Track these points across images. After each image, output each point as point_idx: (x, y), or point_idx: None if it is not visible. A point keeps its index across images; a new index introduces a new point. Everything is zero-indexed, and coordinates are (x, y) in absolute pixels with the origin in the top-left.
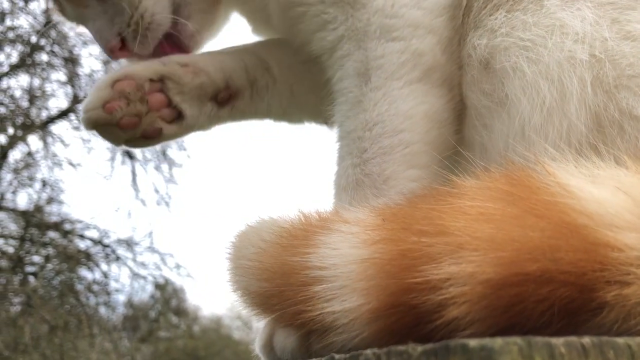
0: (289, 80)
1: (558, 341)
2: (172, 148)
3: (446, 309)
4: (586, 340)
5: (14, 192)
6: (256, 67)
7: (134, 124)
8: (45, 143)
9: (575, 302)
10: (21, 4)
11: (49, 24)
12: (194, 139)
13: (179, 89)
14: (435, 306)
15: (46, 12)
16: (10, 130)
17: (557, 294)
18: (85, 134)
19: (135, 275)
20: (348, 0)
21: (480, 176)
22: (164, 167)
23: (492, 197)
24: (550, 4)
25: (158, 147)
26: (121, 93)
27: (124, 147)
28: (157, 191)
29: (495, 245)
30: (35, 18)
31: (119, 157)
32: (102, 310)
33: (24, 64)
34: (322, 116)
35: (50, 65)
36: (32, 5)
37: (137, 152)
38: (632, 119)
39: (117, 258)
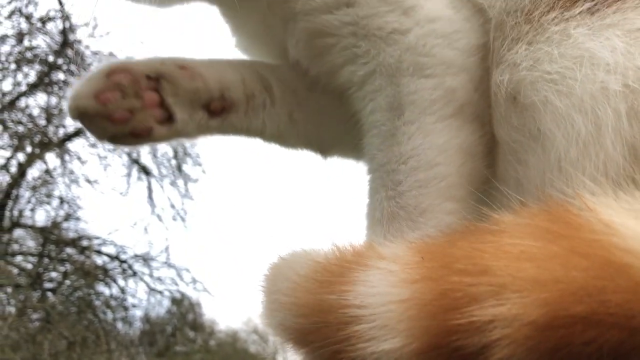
0: (290, 105)
1: None
2: (188, 164)
3: (491, 351)
4: None
5: (32, 210)
6: (255, 83)
7: (126, 118)
8: (63, 160)
9: (625, 345)
10: (39, 24)
11: (65, 43)
12: (209, 154)
13: (173, 91)
14: (480, 348)
15: (63, 32)
16: (29, 149)
17: (606, 337)
18: (102, 151)
19: (152, 291)
20: (380, 34)
21: (518, 212)
22: (180, 182)
23: (532, 235)
24: (577, 34)
25: (174, 162)
26: (117, 85)
27: (107, 143)
28: (173, 206)
29: (539, 286)
30: (52, 38)
31: (135, 173)
32: (120, 325)
33: (41, 83)
34: (319, 145)
35: (67, 83)
36: (49, 26)
37: (153, 168)
38: None
39: (134, 273)
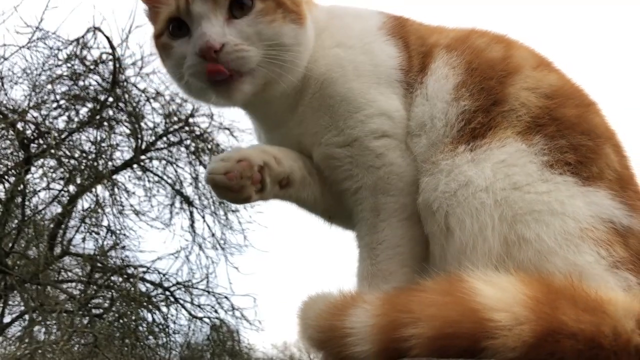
0: (321, 186)
1: None
2: None
3: (410, 350)
4: None
5: (83, 240)
6: (304, 169)
7: (239, 190)
8: (112, 192)
9: (472, 347)
10: (92, 66)
11: (115, 82)
12: None
13: (269, 173)
14: (406, 348)
15: (113, 72)
16: (79, 180)
17: (463, 344)
18: (147, 182)
19: (192, 318)
20: (364, 166)
21: (434, 279)
22: (220, 212)
23: (436, 292)
24: (462, 165)
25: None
26: (241, 169)
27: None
28: (213, 235)
29: (434, 319)
30: (103, 78)
31: (177, 203)
32: (161, 351)
33: (92, 120)
34: (332, 215)
35: (116, 120)
36: (101, 67)
37: (195, 198)
38: (524, 240)
39: (176, 300)
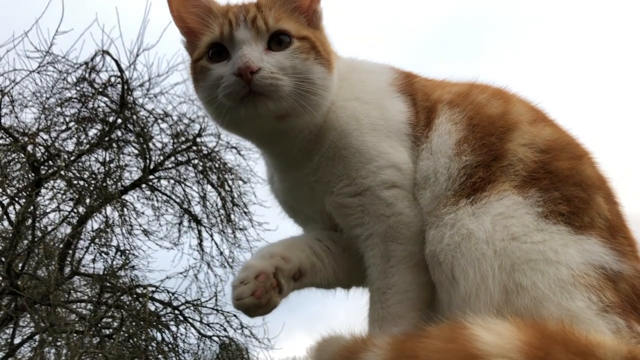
0: (333, 266)
1: None
2: (236, 213)
3: None
4: None
5: (94, 260)
6: (313, 255)
7: (267, 303)
8: (121, 212)
9: None
10: (101, 89)
11: (123, 104)
12: (256, 205)
13: (282, 275)
14: None
15: (122, 94)
16: (88, 200)
17: None
18: (156, 202)
19: (202, 336)
20: (375, 215)
21: (438, 325)
22: (228, 230)
23: (439, 338)
24: (463, 218)
25: (222, 212)
26: (262, 284)
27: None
28: (221, 254)
29: None
30: (112, 100)
31: (186, 222)
32: None
33: (102, 141)
34: (347, 284)
35: (124, 141)
36: (109, 89)
37: (203, 217)
38: (521, 288)
39: (185, 319)
